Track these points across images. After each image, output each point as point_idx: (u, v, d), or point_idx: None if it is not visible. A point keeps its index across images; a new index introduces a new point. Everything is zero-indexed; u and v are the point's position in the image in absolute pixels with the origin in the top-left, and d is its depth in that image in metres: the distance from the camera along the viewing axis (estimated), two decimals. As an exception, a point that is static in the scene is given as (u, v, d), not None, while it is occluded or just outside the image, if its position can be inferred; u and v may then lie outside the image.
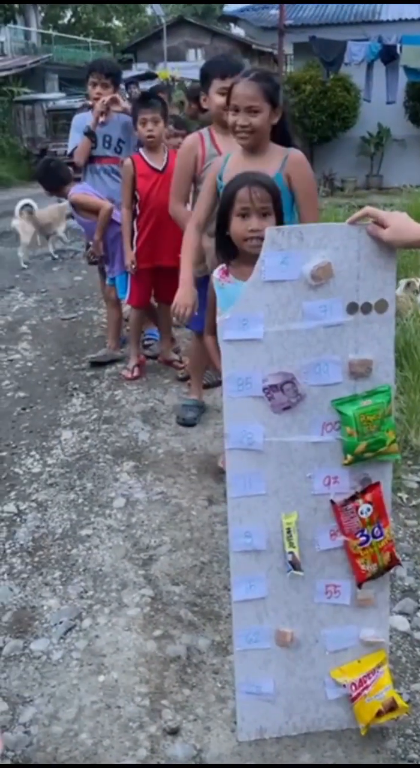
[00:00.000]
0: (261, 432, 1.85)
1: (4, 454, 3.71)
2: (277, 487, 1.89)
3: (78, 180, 4.84)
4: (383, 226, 1.68)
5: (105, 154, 4.81)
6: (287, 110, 2.98)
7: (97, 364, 4.83)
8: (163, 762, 1.97)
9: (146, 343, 5.11)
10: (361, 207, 1.87)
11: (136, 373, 4.58)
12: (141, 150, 4.35)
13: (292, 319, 1.78)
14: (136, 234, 4.38)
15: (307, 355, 1.79)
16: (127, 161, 4.32)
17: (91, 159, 4.80)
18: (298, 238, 1.73)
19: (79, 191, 4.70)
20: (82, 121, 4.83)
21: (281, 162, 2.76)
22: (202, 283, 3.41)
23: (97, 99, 4.63)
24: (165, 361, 4.81)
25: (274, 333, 1.79)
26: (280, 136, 2.82)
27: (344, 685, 1.98)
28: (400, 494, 3.18)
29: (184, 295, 2.96)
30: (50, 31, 33.67)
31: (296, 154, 2.81)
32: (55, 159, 5.45)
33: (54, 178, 4.74)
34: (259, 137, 2.72)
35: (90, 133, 4.69)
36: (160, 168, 4.28)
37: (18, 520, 3.12)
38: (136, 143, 4.58)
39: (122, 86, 4.92)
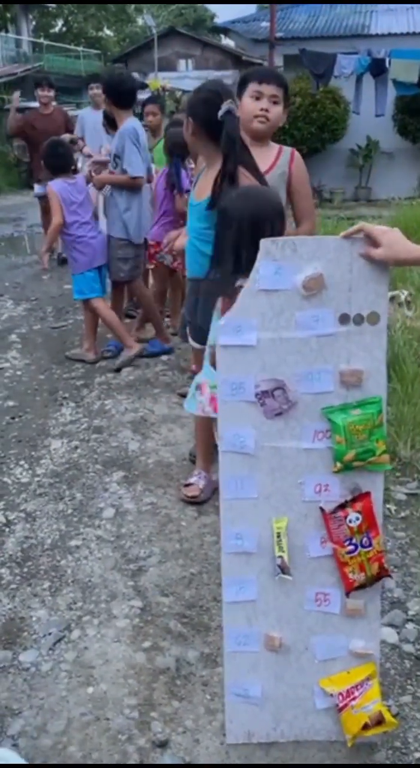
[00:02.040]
0: (253, 436, 1.86)
1: (-8, 463, 3.69)
2: (269, 491, 1.89)
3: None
4: (376, 245, 1.69)
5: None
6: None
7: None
8: (152, 774, 1.96)
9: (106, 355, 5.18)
10: (349, 219, 1.89)
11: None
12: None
13: (285, 327, 1.79)
14: None
15: (299, 363, 1.80)
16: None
17: None
18: (292, 249, 1.74)
19: (55, 186, 4.82)
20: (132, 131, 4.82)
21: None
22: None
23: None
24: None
25: (267, 340, 1.81)
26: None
27: (332, 695, 1.97)
28: (388, 506, 3.18)
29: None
30: (41, 40, 33.73)
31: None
32: (64, 143, 5.49)
33: (59, 159, 4.89)
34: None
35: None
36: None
37: (7, 530, 3.10)
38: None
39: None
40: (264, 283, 1.78)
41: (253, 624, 1.98)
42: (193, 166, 4.23)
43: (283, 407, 1.82)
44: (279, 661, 1.99)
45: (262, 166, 2.84)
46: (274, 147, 3.07)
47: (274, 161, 3.01)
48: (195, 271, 2.95)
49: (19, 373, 4.94)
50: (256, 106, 2.89)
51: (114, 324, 4.94)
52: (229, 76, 21.53)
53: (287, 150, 3.09)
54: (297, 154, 3.08)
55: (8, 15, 15.56)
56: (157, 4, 42.20)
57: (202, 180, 2.94)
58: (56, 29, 42.37)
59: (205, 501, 3.24)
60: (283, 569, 1.88)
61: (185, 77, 25.83)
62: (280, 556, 1.88)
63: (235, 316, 1.82)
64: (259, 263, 1.77)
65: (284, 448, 1.85)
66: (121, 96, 4.72)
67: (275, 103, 2.90)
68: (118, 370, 4.87)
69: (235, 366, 1.83)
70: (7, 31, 24.94)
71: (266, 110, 2.89)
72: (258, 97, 2.89)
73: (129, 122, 4.72)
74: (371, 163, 13.97)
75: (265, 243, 1.77)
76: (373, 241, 1.70)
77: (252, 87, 2.92)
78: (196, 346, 3.18)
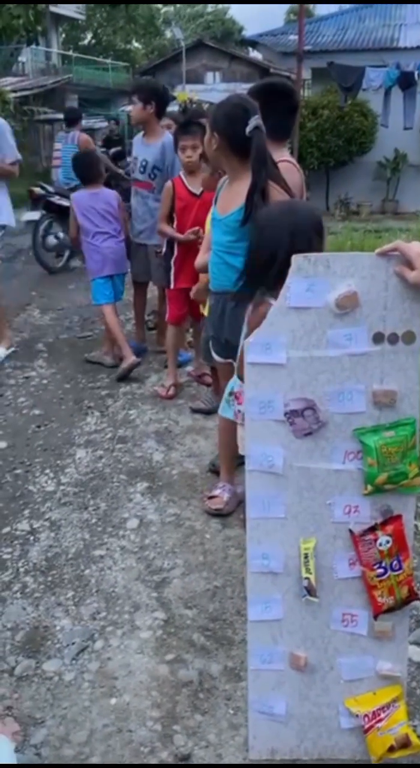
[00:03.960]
0: (282, 456, 1.86)
1: (18, 471, 3.71)
2: (297, 511, 1.89)
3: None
4: (411, 267, 1.67)
5: (138, 178, 5.01)
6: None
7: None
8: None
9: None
10: (376, 231, 1.88)
11: (171, 393, 4.61)
12: (181, 173, 4.50)
13: (316, 345, 1.79)
14: (175, 254, 4.50)
15: (331, 382, 1.80)
16: (168, 183, 4.49)
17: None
18: (325, 266, 1.74)
19: (76, 198, 4.97)
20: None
21: None
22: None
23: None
24: (196, 376, 4.87)
25: (297, 358, 1.80)
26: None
27: (358, 716, 1.96)
28: (415, 522, 3.15)
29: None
30: (70, 52, 34.14)
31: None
32: (92, 154, 5.71)
33: (85, 170, 5.02)
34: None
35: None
36: (197, 192, 4.38)
37: (31, 538, 3.12)
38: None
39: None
40: (295, 300, 1.78)
41: (279, 642, 1.97)
42: None
43: (313, 427, 1.81)
44: (304, 679, 1.98)
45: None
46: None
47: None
48: (222, 284, 2.94)
49: (45, 382, 4.98)
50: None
51: (115, 332, 5.00)
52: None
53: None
54: (283, 165, 2.97)
55: (39, 28, 15.78)
56: (186, 18, 42.55)
57: (225, 194, 2.94)
58: (85, 42, 42.89)
59: (229, 513, 3.24)
60: (310, 591, 1.87)
61: (213, 89, 26.00)
62: (307, 578, 1.87)
63: (264, 334, 1.82)
64: (290, 280, 1.77)
65: (313, 469, 1.84)
66: (163, 106, 4.92)
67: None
68: (119, 380, 4.93)
69: (264, 384, 1.83)
70: (37, 44, 25.23)
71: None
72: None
73: (168, 134, 4.86)
74: (399, 176, 13.93)
75: (297, 259, 1.77)
76: (407, 261, 1.69)
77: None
78: (221, 360, 3.18)
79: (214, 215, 3.00)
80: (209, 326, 3.24)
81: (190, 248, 4.32)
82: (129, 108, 29.63)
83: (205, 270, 3.14)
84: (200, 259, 3.20)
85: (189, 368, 4.99)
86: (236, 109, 2.75)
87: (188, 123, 4.39)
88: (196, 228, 4.28)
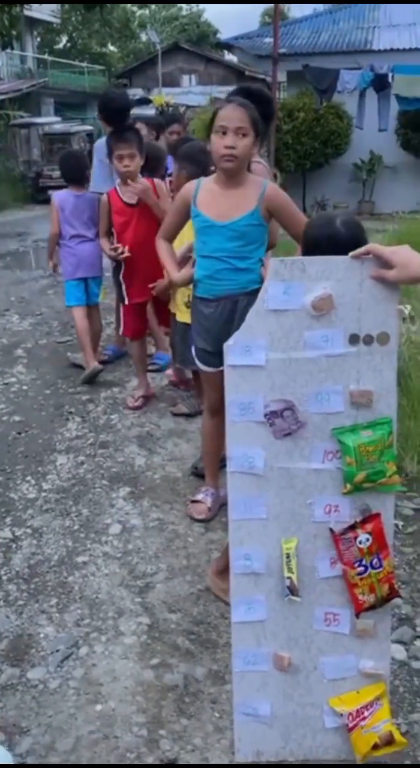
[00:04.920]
0: (262, 457, 1.87)
1: (-1, 478, 3.70)
2: (278, 512, 1.90)
3: None
4: (389, 266, 1.69)
5: None
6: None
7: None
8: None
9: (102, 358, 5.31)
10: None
11: (139, 403, 4.56)
12: (117, 184, 4.37)
13: (294, 347, 1.80)
14: (122, 269, 4.37)
15: (309, 383, 1.81)
16: (104, 198, 4.37)
17: None
18: (301, 269, 1.75)
19: (56, 197, 4.98)
20: (101, 147, 4.86)
21: (259, 196, 2.77)
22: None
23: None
24: (178, 381, 4.79)
25: (276, 360, 1.82)
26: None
27: (342, 715, 1.97)
28: (395, 521, 3.18)
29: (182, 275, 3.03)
30: (46, 56, 34.03)
31: (272, 186, 2.86)
32: (77, 155, 5.74)
33: (70, 170, 5.02)
34: (242, 164, 2.73)
35: None
36: (133, 202, 4.26)
37: (14, 546, 3.10)
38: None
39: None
40: (273, 303, 1.79)
41: (262, 644, 1.97)
42: None
43: (293, 428, 1.83)
44: (288, 680, 1.99)
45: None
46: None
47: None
48: (229, 289, 2.85)
49: (25, 387, 4.96)
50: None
51: (81, 336, 4.99)
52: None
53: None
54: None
55: (14, 32, 15.70)
56: (161, 21, 42.58)
57: (220, 199, 2.80)
58: (61, 45, 42.76)
59: (213, 518, 3.24)
60: (292, 591, 1.88)
61: (189, 92, 26.05)
62: (289, 577, 1.88)
63: (243, 337, 1.83)
64: (267, 283, 1.79)
65: (294, 469, 1.86)
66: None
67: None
68: (83, 383, 4.94)
69: (244, 386, 1.84)
70: (12, 48, 25.12)
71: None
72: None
73: None
74: (375, 177, 14.04)
75: (273, 263, 1.79)
76: (384, 263, 1.70)
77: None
78: (212, 370, 3.02)
79: (208, 222, 2.81)
80: (199, 337, 3.05)
81: (138, 261, 4.23)
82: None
83: (190, 283, 3.03)
84: (185, 274, 3.00)
85: (168, 371, 4.96)
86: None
87: (123, 130, 4.27)
88: (116, 246, 4.25)
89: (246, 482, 1.89)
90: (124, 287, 4.41)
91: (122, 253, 4.22)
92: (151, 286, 4.13)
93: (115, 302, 5.44)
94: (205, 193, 2.84)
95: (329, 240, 1.94)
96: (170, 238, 3.13)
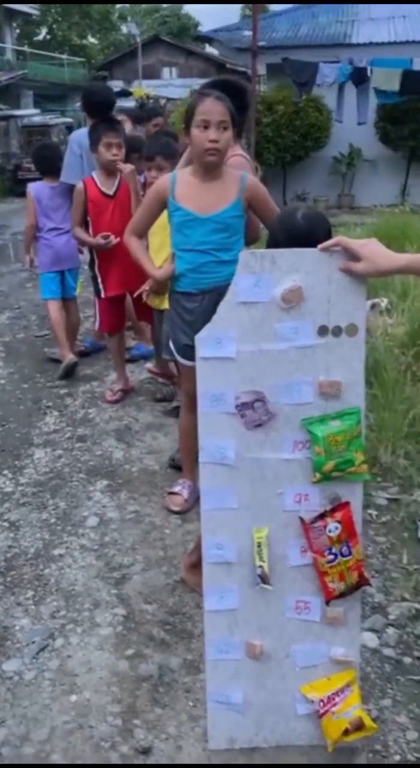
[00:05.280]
0: (233, 447, 1.89)
1: (-24, 472, 3.69)
2: (249, 501, 1.92)
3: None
4: (357, 258, 1.72)
5: None
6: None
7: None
8: (135, 782, 1.97)
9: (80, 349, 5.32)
10: (332, 226, 1.91)
11: (117, 397, 4.54)
12: (94, 173, 4.31)
13: (264, 339, 1.82)
14: (97, 262, 4.34)
15: (279, 374, 1.83)
16: (79, 185, 4.26)
17: None
18: (271, 261, 1.78)
19: (32, 188, 4.96)
20: (76, 139, 4.78)
21: (239, 188, 2.79)
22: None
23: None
24: (158, 373, 4.69)
25: (246, 352, 1.84)
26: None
27: (313, 701, 2.00)
28: (369, 511, 3.22)
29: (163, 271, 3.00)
30: (25, 48, 33.72)
31: (251, 178, 2.87)
32: (51, 146, 5.73)
33: (44, 162, 5.04)
34: (224, 157, 2.74)
35: None
36: (110, 193, 4.24)
37: (-10, 539, 3.10)
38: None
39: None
40: (243, 295, 1.81)
41: (235, 632, 2.00)
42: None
43: (263, 418, 1.85)
44: (260, 668, 2.02)
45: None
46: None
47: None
48: (214, 281, 2.83)
49: (2, 382, 4.94)
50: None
51: (56, 329, 5.00)
52: (212, 84, 21.55)
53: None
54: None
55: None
56: (141, 14, 42.33)
57: (200, 192, 2.79)
58: (40, 37, 42.37)
59: (189, 510, 3.26)
60: (264, 579, 1.91)
61: (169, 85, 25.96)
62: (261, 566, 1.91)
63: (214, 329, 1.85)
64: (237, 275, 1.81)
65: (264, 459, 1.88)
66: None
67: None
68: (60, 378, 4.93)
69: (215, 378, 1.86)
70: (-10, 39, 24.91)
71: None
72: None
73: None
74: (354, 171, 14.07)
75: (243, 255, 1.81)
76: (352, 255, 1.73)
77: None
78: (191, 364, 3.06)
79: (191, 216, 2.79)
80: (180, 332, 3.02)
81: (113, 254, 4.18)
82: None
83: (169, 277, 2.98)
84: (168, 269, 2.96)
85: (148, 365, 4.93)
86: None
87: (112, 120, 4.28)
88: (106, 233, 4.16)
89: (217, 473, 1.91)
90: (99, 280, 4.38)
91: (111, 242, 4.14)
92: (139, 293, 3.95)
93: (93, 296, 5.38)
94: (184, 186, 2.82)
95: (287, 233, 1.97)
96: (141, 235, 3.11)
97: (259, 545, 1.91)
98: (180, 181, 2.83)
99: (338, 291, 1.78)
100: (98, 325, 4.59)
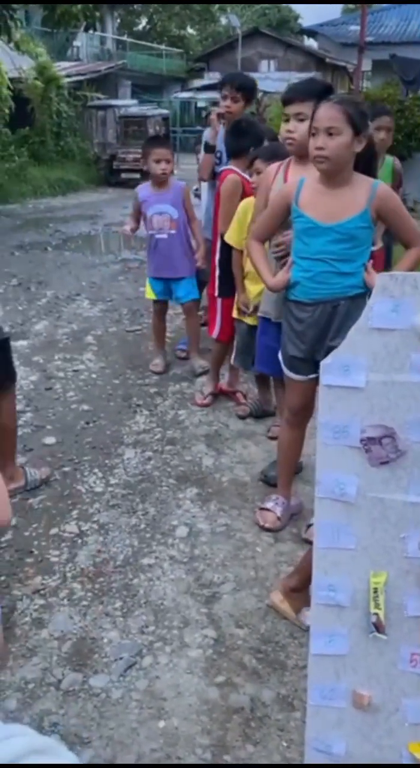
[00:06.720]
0: (355, 484, 1.74)
1: (67, 469, 3.66)
2: (368, 543, 1.77)
3: None
4: None
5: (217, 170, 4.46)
6: (373, 141, 2.84)
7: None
8: None
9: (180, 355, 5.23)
10: None
11: (207, 401, 4.44)
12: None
13: (398, 370, 1.67)
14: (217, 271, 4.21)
15: (412, 410, 1.67)
16: (234, 177, 3.97)
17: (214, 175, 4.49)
18: (413, 286, 1.62)
19: (140, 191, 4.77)
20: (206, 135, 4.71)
21: (369, 197, 2.60)
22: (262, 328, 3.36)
23: (224, 113, 4.28)
24: (226, 391, 4.58)
25: (377, 383, 1.68)
26: (364, 168, 2.68)
27: None
28: None
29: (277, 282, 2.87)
30: (125, 38, 34.10)
31: (384, 187, 2.67)
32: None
33: None
34: (337, 164, 2.56)
35: (210, 148, 4.52)
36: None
37: (79, 541, 3.06)
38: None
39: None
40: (378, 320, 1.66)
41: (341, 679, 1.86)
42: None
43: (391, 456, 1.69)
44: (366, 720, 1.87)
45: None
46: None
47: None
48: (330, 292, 2.70)
49: (94, 376, 4.93)
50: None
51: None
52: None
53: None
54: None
55: (97, 14, 15.71)
56: (241, 5, 42.09)
57: (326, 199, 2.64)
58: (140, 27, 42.80)
59: (282, 528, 3.13)
60: (378, 627, 1.76)
61: (267, 78, 25.63)
62: (376, 614, 1.76)
63: (342, 354, 1.71)
64: (373, 299, 1.66)
65: (388, 500, 1.73)
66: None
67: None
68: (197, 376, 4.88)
69: (340, 408, 1.72)
70: (94, 30, 25.22)
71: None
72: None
73: None
74: (457, 173, 13.54)
75: (382, 278, 1.66)
76: None
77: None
78: (301, 378, 2.91)
79: (312, 224, 2.65)
80: (289, 343, 2.89)
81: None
82: (183, 95, 29.31)
83: (283, 288, 2.85)
84: (282, 278, 2.81)
85: (222, 382, 4.62)
86: (362, 105, 2.69)
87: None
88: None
89: (335, 510, 1.77)
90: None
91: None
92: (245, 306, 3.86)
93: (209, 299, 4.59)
94: (309, 192, 2.69)
95: None
96: (264, 240, 2.99)
97: (375, 591, 1.76)
98: (306, 187, 2.69)
99: None
100: (217, 333, 4.32)
